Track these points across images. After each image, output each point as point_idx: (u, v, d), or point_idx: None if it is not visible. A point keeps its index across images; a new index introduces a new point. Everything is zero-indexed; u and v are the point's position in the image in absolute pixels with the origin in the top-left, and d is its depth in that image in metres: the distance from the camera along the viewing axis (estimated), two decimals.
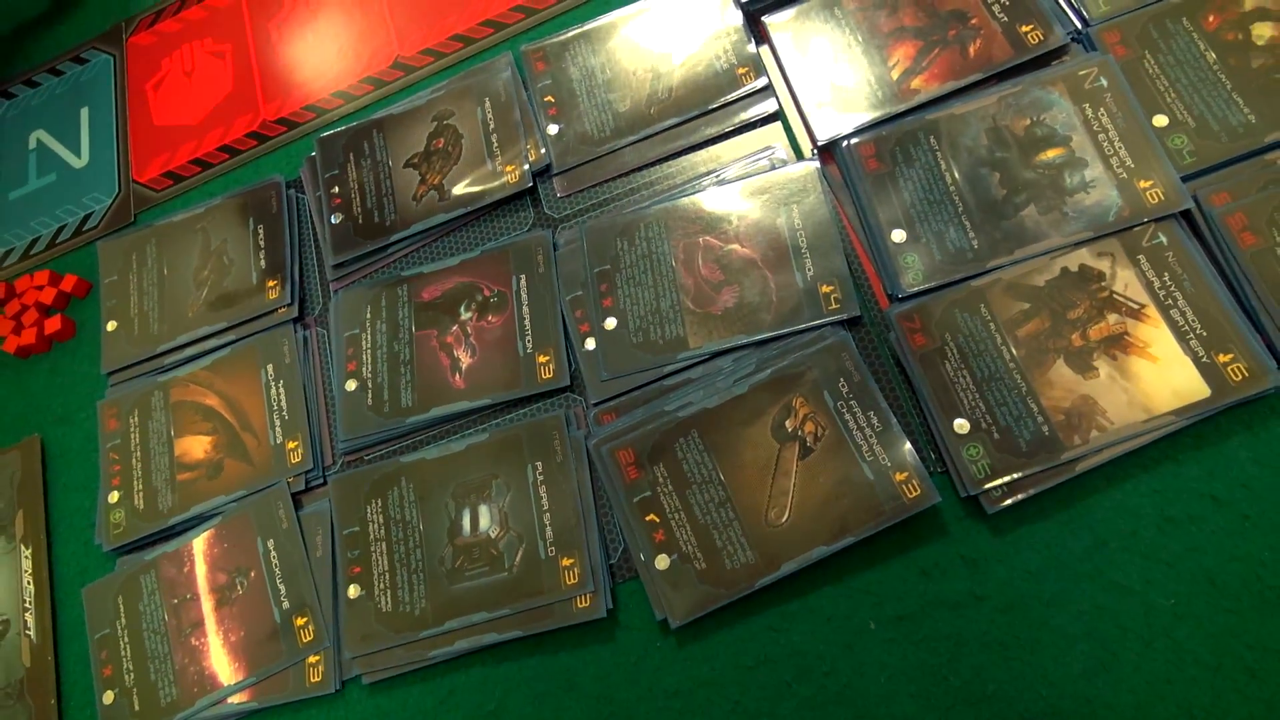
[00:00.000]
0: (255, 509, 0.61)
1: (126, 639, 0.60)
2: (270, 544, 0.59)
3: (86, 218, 0.77)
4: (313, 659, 0.56)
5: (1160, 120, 0.55)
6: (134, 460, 0.65)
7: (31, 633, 0.62)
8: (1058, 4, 0.60)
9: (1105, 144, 0.55)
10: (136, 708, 0.58)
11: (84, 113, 0.82)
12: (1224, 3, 0.57)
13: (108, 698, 0.59)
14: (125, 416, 0.66)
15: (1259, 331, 0.49)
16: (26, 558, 0.65)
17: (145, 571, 0.61)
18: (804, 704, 0.49)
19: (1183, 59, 0.56)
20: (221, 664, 0.58)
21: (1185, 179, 0.53)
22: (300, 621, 0.57)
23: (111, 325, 0.70)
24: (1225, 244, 0.51)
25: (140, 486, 0.64)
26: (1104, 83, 0.56)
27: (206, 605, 0.59)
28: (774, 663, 0.51)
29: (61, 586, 0.64)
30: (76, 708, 0.61)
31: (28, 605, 0.63)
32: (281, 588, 0.58)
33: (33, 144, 0.82)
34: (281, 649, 0.57)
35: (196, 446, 0.64)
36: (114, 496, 0.64)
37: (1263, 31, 0.55)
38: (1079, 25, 0.59)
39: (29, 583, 0.64)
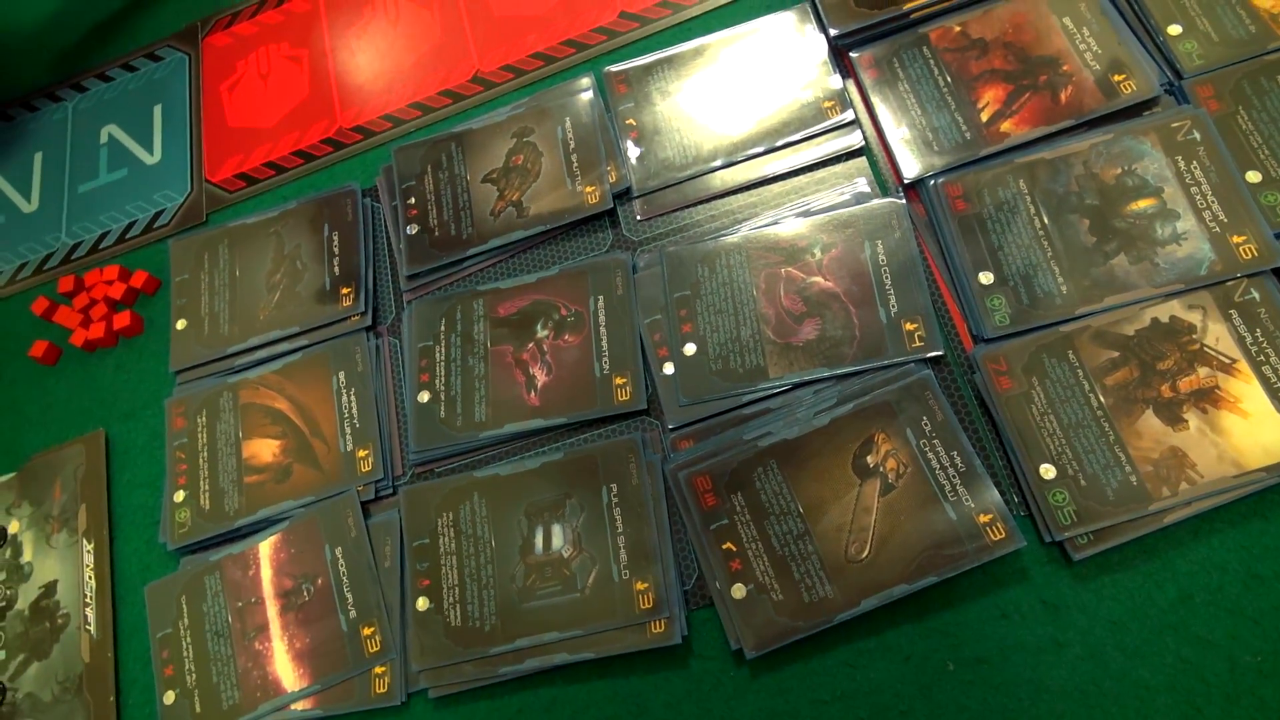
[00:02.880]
0: (324, 515, 0.61)
1: (189, 639, 0.60)
2: (338, 551, 0.59)
3: (158, 215, 0.77)
4: (379, 670, 0.56)
5: (1253, 176, 0.55)
6: (201, 460, 0.65)
7: (92, 628, 0.62)
8: (1150, 55, 0.60)
9: (1198, 197, 0.55)
10: (198, 709, 0.58)
11: (157, 110, 0.82)
12: None
13: (169, 698, 0.59)
14: (193, 416, 0.66)
15: None
16: (88, 552, 0.65)
17: (210, 572, 0.61)
18: None
19: (1277, 116, 0.56)
20: (285, 670, 0.57)
21: (1278, 236, 0.53)
22: (367, 631, 0.57)
23: (181, 324, 0.70)
24: None
25: (206, 486, 0.64)
26: (1196, 136, 0.56)
27: (271, 610, 0.59)
28: (849, 699, 0.51)
29: (122, 583, 0.64)
30: (135, 705, 0.60)
31: (88, 600, 0.63)
32: (349, 596, 0.58)
33: (104, 138, 0.83)
34: (347, 658, 0.57)
35: (265, 450, 0.64)
36: (179, 495, 0.64)
37: None
38: (1171, 78, 0.59)
39: (90, 577, 0.64)
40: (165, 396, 0.68)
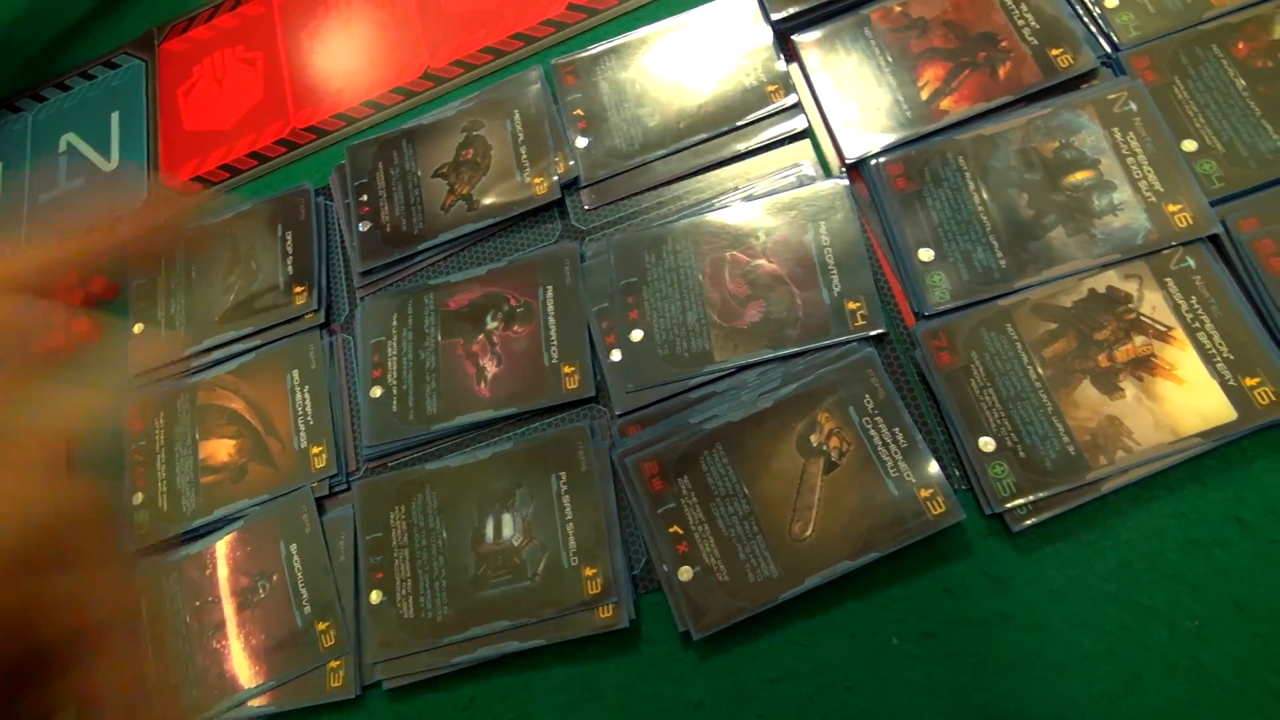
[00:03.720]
0: (279, 513, 0.61)
1: (149, 640, 0.60)
2: (293, 548, 0.60)
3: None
4: (334, 664, 0.57)
5: (1189, 145, 0.55)
6: (158, 462, 0.65)
7: None
8: (1088, 29, 0.60)
9: (1134, 167, 0.55)
10: (157, 710, 0.58)
11: (114, 117, 0.83)
12: (1254, 30, 0.57)
13: None
14: (150, 419, 0.67)
15: None
16: None
17: (168, 573, 0.62)
18: (827, 719, 0.50)
19: (1212, 85, 0.56)
20: (242, 667, 0.58)
21: (1214, 204, 0.53)
22: (322, 626, 0.57)
23: (139, 328, 0.71)
24: (1253, 269, 0.51)
25: (164, 488, 0.64)
26: (1133, 107, 0.56)
27: (228, 608, 0.60)
28: (797, 677, 0.51)
29: None
30: None
31: None
32: (304, 592, 0.58)
33: (63, 147, 0.83)
34: (303, 653, 0.57)
35: (221, 450, 0.64)
36: (139, 498, 0.64)
37: None
38: (1109, 50, 0.59)
39: None
40: (124, 401, 0.69)
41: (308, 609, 0.58)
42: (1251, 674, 0.45)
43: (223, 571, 0.61)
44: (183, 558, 0.62)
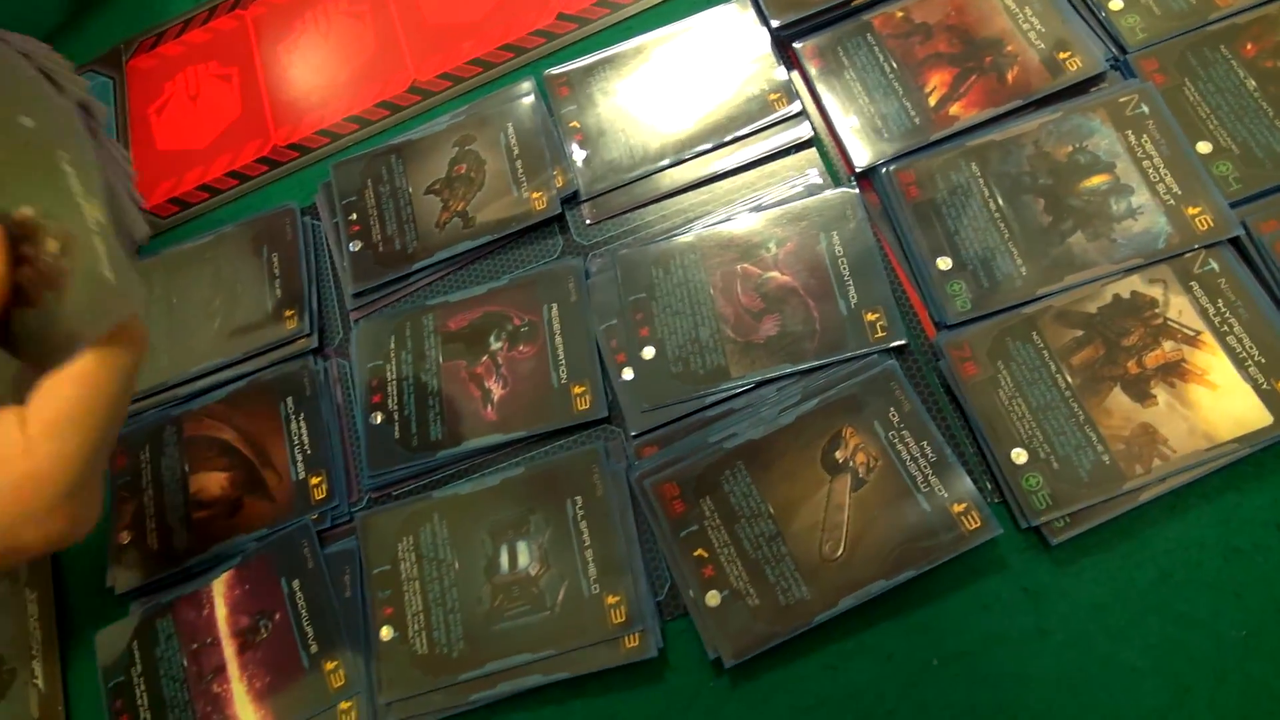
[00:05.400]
0: (278, 548, 0.58)
1: (143, 686, 0.57)
2: (295, 584, 0.57)
3: None
4: (344, 705, 0.54)
5: (1204, 147, 0.55)
6: (146, 498, 0.62)
7: (40, 682, 0.59)
8: (1093, 31, 0.59)
9: (1150, 171, 0.54)
10: None
11: None
12: (1260, 31, 0.57)
13: None
14: (135, 453, 0.64)
15: None
16: (32, 602, 0.62)
17: (161, 615, 0.59)
18: None
19: (1223, 86, 0.56)
20: (246, 712, 0.55)
21: (1233, 205, 0.53)
22: (330, 666, 0.55)
23: None
24: (1276, 271, 0.51)
25: (153, 525, 0.61)
26: (1145, 109, 0.56)
27: (229, 650, 0.57)
28: (833, 703, 0.49)
29: (71, 633, 0.61)
30: None
31: (34, 653, 0.60)
32: (309, 630, 0.56)
33: None
34: (311, 695, 0.54)
35: (213, 483, 0.61)
36: (125, 537, 0.61)
37: None
38: (1116, 53, 0.59)
39: (36, 628, 0.61)
40: None
41: (314, 648, 0.55)
42: None
43: (221, 611, 0.58)
44: (177, 598, 0.59)
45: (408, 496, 0.59)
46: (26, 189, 0.37)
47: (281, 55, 0.77)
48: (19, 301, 0.37)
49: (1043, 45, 0.59)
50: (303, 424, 0.61)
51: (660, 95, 0.65)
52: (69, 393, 0.36)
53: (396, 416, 0.60)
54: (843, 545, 0.50)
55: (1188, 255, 0.52)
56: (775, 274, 0.58)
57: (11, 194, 0.37)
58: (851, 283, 0.56)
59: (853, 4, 0.64)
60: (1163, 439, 0.49)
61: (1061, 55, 0.59)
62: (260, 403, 0.63)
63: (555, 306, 0.61)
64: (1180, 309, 0.51)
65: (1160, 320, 0.51)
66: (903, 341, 0.54)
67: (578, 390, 0.58)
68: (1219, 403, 0.49)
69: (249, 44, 0.79)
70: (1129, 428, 0.49)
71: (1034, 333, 0.52)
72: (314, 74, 0.76)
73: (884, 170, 0.58)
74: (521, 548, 0.55)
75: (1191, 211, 0.53)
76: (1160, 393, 0.50)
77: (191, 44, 0.81)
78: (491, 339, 0.61)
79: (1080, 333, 0.52)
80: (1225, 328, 0.50)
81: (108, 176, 0.40)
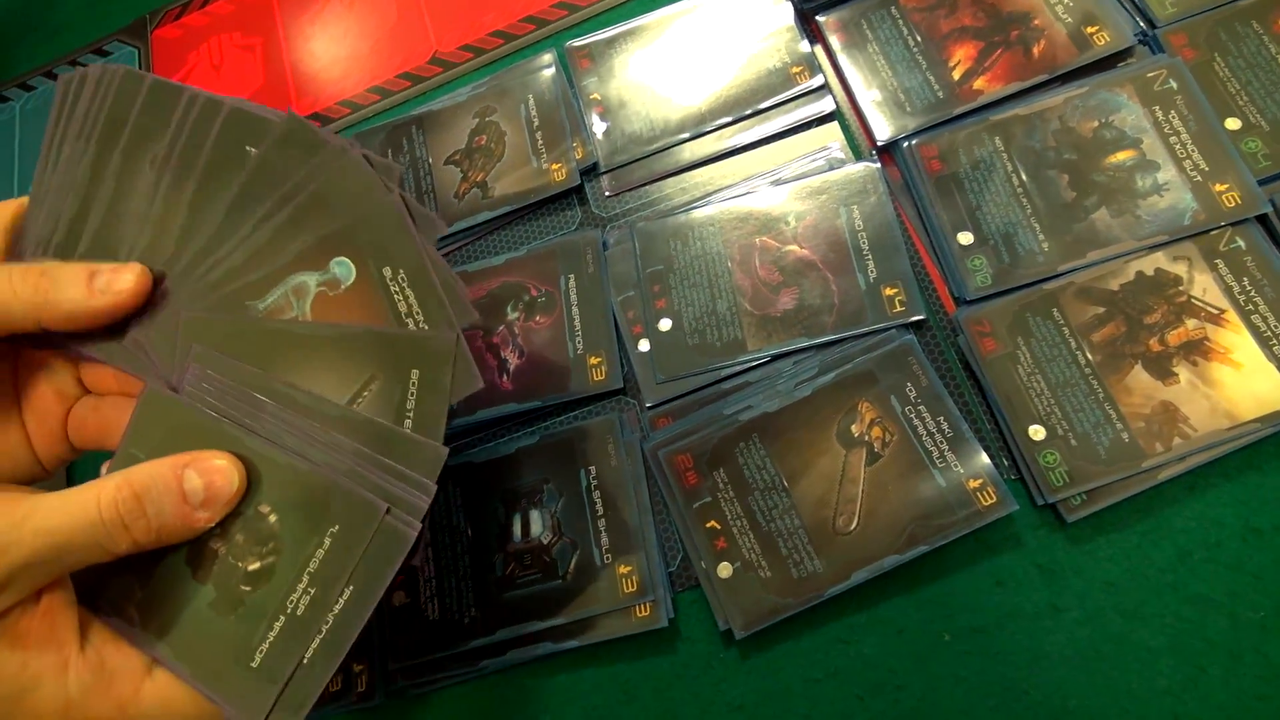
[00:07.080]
0: None
1: None
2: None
3: None
4: (356, 667, 0.54)
5: (1233, 123, 0.54)
6: None
7: None
8: (1121, 5, 0.59)
9: (1177, 147, 0.54)
10: None
11: None
12: None
13: None
14: None
15: None
16: None
17: None
18: (876, 719, 0.48)
19: (1254, 62, 0.55)
20: None
21: (1261, 182, 0.52)
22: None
23: None
24: None
25: None
26: (1173, 85, 0.55)
27: None
28: (844, 676, 0.49)
29: None
30: None
31: None
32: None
33: None
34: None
35: None
36: None
37: None
38: (1145, 27, 0.58)
39: None
40: None
41: None
42: None
43: None
44: None
45: None
46: None
47: (304, 26, 0.77)
48: None
49: (1070, 19, 0.58)
50: None
51: (682, 68, 0.65)
52: None
53: None
54: (856, 519, 0.50)
55: (1213, 232, 0.51)
56: (794, 247, 0.57)
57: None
58: (871, 257, 0.56)
59: None
60: (1184, 417, 0.48)
61: (1089, 29, 0.58)
62: None
63: (573, 278, 0.60)
64: (1205, 287, 0.50)
65: (1184, 298, 0.50)
66: (921, 316, 0.54)
67: (594, 361, 0.58)
68: (1242, 382, 0.48)
69: (272, 15, 0.79)
70: (1149, 406, 0.49)
71: (1055, 309, 0.52)
72: (336, 45, 0.76)
73: (906, 144, 0.58)
74: (534, 516, 0.55)
75: (1219, 188, 0.52)
76: (1182, 371, 0.49)
77: (216, 14, 0.81)
78: (509, 309, 0.61)
79: (1102, 309, 0.51)
80: (1250, 306, 0.49)
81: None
